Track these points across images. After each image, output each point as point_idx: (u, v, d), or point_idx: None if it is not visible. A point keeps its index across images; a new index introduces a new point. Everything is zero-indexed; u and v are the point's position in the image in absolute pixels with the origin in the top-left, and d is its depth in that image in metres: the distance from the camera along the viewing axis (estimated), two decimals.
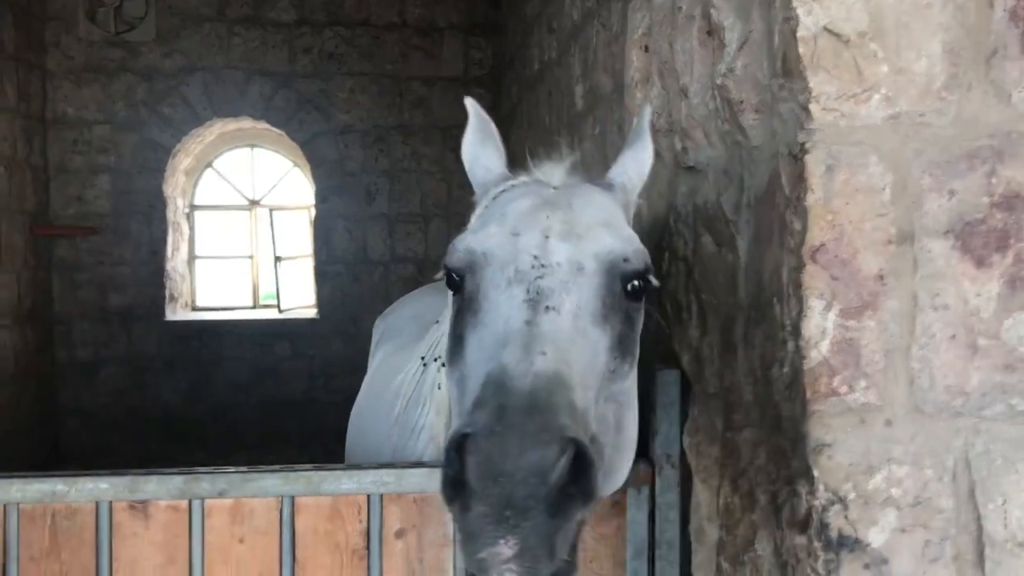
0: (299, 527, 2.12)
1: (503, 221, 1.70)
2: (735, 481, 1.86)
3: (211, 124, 9.13)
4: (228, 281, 11.15)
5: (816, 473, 1.54)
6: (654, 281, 1.72)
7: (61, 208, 8.61)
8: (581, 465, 1.28)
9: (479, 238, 1.68)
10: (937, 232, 1.54)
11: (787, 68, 1.58)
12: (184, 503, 2.09)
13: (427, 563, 2.13)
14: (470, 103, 2.11)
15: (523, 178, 1.93)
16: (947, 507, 1.56)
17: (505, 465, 1.21)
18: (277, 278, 9.73)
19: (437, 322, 2.78)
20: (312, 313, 9.43)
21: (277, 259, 9.67)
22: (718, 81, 1.88)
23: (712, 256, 1.98)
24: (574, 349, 1.50)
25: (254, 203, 10.31)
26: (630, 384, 1.75)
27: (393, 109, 8.99)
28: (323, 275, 9.15)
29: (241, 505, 2.11)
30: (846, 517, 1.54)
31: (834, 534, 1.54)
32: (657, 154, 2.35)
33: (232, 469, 2.12)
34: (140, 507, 2.09)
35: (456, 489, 1.27)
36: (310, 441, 8.40)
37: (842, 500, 1.53)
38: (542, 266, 1.59)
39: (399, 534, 2.13)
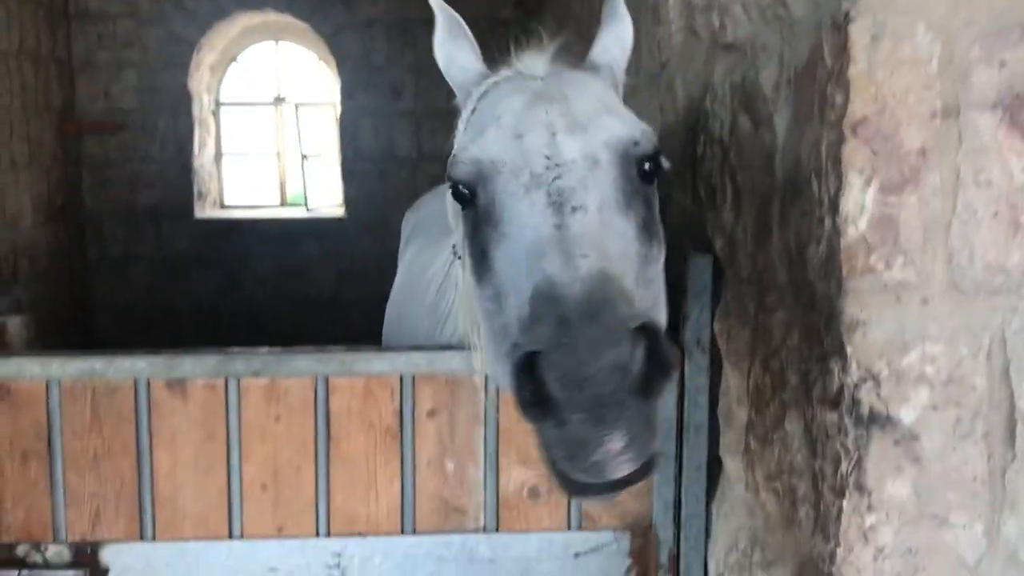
0: (333, 406, 2.16)
1: (500, 123, 1.61)
2: (766, 362, 1.86)
3: (235, 17, 9.00)
4: (255, 180, 11.16)
5: (849, 350, 1.53)
6: (665, 162, 1.69)
7: (88, 104, 8.60)
8: (654, 345, 1.27)
9: (480, 145, 1.59)
10: (984, 105, 1.49)
11: None
12: (220, 382, 2.14)
13: (459, 442, 2.18)
14: (433, 0, 1.97)
15: (505, 72, 1.84)
16: (980, 385, 1.55)
17: (586, 371, 1.19)
18: (304, 176, 9.73)
19: None
20: (339, 212, 9.44)
21: (303, 157, 9.66)
22: None
23: (749, 136, 1.94)
24: (609, 245, 1.46)
25: (279, 100, 10.24)
26: (661, 266, 1.74)
27: (419, 1, 8.78)
28: (350, 173, 9.12)
29: (276, 385, 2.15)
30: (878, 394, 1.53)
31: (865, 411, 1.54)
32: (694, 32, 2.29)
33: (266, 349, 2.16)
34: (178, 385, 2.13)
35: (542, 408, 1.25)
36: (339, 340, 8.50)
37: (875, 377, 1.53)
38: (557, 165, 1.51)
39: (431, 414, 2.17)
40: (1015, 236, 1.52)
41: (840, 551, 1.58)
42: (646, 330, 1.26)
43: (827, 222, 1.57)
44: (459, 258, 2.59)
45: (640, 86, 2.98)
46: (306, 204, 9.73)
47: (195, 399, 2.14)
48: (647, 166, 1.63)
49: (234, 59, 10.05)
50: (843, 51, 1.50)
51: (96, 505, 2.15)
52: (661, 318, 1.69)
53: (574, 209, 1.46)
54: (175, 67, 8.70)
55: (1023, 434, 1.56)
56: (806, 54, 1.66)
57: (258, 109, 10.43)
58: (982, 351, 1.55)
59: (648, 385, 1.25)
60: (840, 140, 1.51)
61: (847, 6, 1.49)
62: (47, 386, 2.11)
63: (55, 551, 2.14)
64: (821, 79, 1.58)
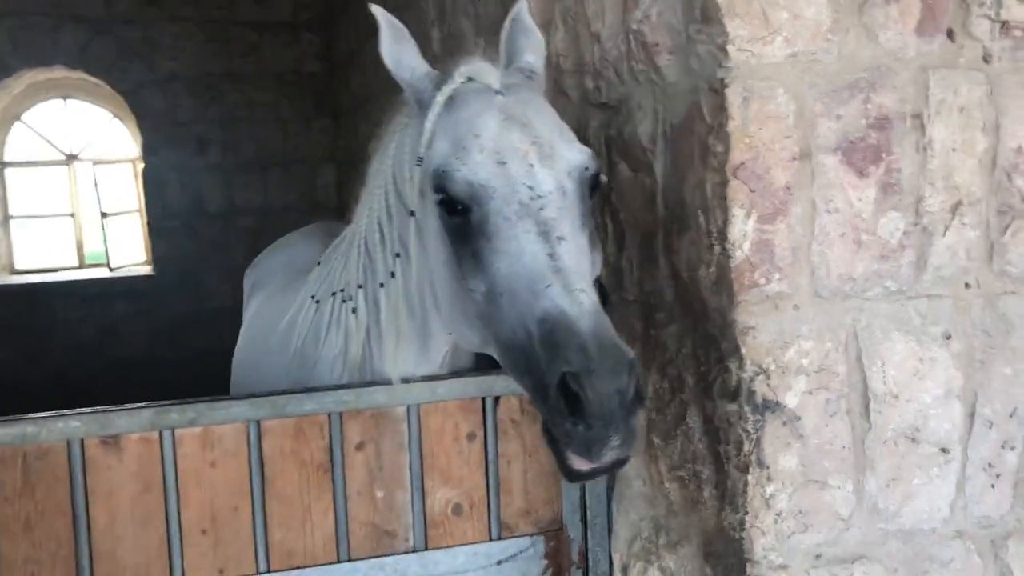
0: (266, 448, 2.28)
1: (481, 145, 1.88)
2: (663, 370, 2.19)
3: (20, 74, 8.63)
4: (49, 241, 10.59)
5: (744, 351, 1.88)
6: (603, 178, 2.05)
7: None
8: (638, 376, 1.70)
9: (471, 168, 1.87)
10: (828, 149, 1.90)
11: (706, 16, 1.88)
12: (155, 434, 2.21)
13: (386, 470, 2.36)
14: (376, 9, 2.15)
15: (460, 79, 2.03)
16: (842, 372, 1.94)
17: (607, 390, 1.61)
18: (105, 235, 9.37)
19: (319, 263, 2.94)
20: (147, 270, 9.17)
21: (103, 215, 9.31)
22: (633, 27, 2.15)
23: (629, 180, 2.28)
24: (584, 267, 1.82)
25: (72, 157, 9.83)
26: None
27: (222, 56, 8.78)
28: (158, 231, 8.90)
29: (210, 432, 2.24)
30: (768, 385, 1.89)
31: (759, 399, 1.89)
32: (564, 93, 2.62)
33: (199, 400, 2.26)
34: (112, 441, 2.19)
35: (575, 417, 1.64)
36: (159, 399, 8.23)
37: (765, 371, 1.89)
38: (539, 196, 1.83)
39: (359, 447, 2.34)
40: (858, 252, 1.93)
41: (748, 518, 1.92)
42: (633, 364, 1.67)
43: (716, 248, 1.91)
44: (319, 303, 2.70)
45: None
46: (108, 264, 9.37)
47: (131, 453, 2.20)
48: (593, 184, 1.96)
49: (18, 118, 9.57)
50: (721, 110, 1.86)
51: (31, 570, 2.16)
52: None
53: (559, 239, 1.80)
54: None
55: (874, 408, 1.96)
56: (683, 112, 2.02)
57: (48, 168, 9.96)
58: (841, 345, 1.94)
59: (636, 404, 1.67)
60: (724, 182, 1.87)
61: (722, 74, 1.86)
62: None
63: None
64: (701, 132, 1.94)
